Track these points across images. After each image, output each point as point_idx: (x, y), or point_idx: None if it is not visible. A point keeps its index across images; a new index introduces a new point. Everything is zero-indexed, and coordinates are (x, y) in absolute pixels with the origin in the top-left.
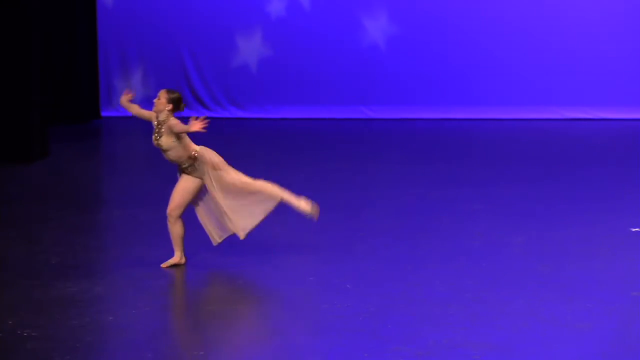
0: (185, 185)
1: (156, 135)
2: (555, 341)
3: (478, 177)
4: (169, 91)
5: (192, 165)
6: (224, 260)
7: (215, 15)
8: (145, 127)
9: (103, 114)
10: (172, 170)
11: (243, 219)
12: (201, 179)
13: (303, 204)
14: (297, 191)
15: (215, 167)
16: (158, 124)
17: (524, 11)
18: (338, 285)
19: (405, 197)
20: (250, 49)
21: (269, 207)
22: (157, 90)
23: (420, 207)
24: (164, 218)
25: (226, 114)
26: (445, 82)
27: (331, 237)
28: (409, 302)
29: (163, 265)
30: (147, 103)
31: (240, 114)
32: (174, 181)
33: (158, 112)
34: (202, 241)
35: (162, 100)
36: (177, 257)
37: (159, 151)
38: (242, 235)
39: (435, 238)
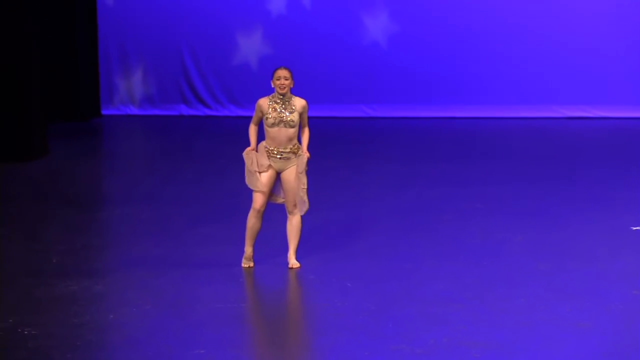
0: (290, 178)
1: (285, 111)
2: (556, 340)
3: (479, 175)
4: (288, 68)
5: (294, 152)
6: (222, 259)
7: (215, 13)
8: (146, 126)
9: (103, 112)
10: (173, 169)
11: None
12: (282, 170)
13: (292, 258)
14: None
15: (304, 167)
16: (285, 101)
17: (526, 9)
18: (338, 283)
19: (405, 196)
20: (251, 47)
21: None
22: (158, 89)
23: (421, 206)
24: (163, 216)
25: (226, 112)
26: (446, 81)
27: (332, 236)
28: (410, 300)
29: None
30: (148, 102)
31: (240, 112)
32: (174, 179)
33: (285, 92)
34: (202, 241)
35: (289, 79)
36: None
37: (159, 150)
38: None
39: (436, 237)
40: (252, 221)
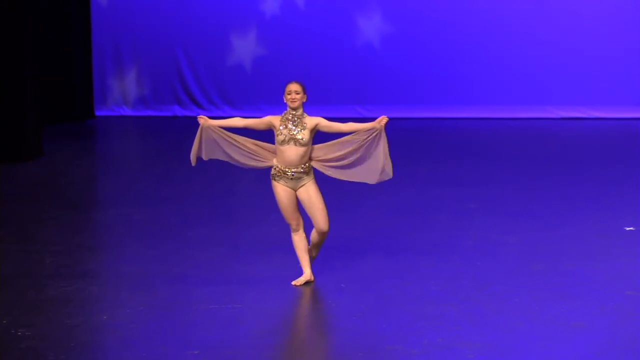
0: (315, 193)
1: (297, 129)
2: (550, 340)
3: (473, 176)
4: (299, 82)
5: (306, 172)
6: (217, 260)
7: (209, 14)
8: (139, 127)
9: (97, 113)
10: (166, 170)
11: None
12: (295, 188)
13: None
14: None
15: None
16: (297, 119)
17: (519, 10)
18: (333, 284)
19: (399, 197)
20: (245, 48)
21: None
22: (152, 90)
23: (415, 207)
24: (158, 217)
25: (220, 113)
26: (439, 81)
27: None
28: (404, 301)
29: (294, 282)
30: (142, 103)
31: (234, 113)
32: (168, 180)
33: (297, 106)
34: (196, 242)
35: (301, 93)
36: (309, 274)
37: (153, 150)
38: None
39: (431, 237)
40: (295, 239)
